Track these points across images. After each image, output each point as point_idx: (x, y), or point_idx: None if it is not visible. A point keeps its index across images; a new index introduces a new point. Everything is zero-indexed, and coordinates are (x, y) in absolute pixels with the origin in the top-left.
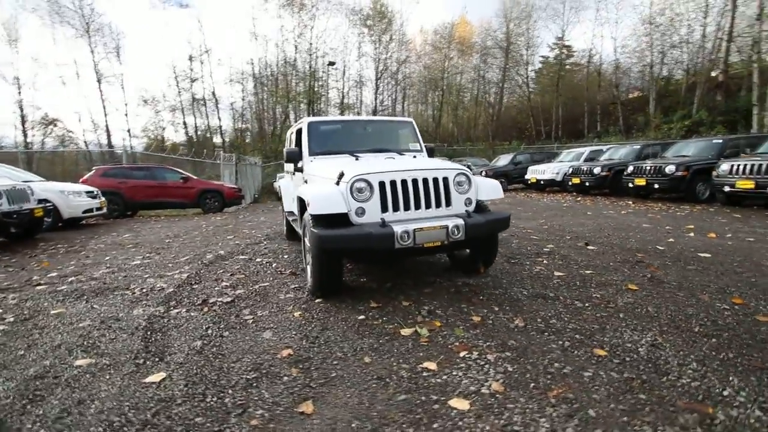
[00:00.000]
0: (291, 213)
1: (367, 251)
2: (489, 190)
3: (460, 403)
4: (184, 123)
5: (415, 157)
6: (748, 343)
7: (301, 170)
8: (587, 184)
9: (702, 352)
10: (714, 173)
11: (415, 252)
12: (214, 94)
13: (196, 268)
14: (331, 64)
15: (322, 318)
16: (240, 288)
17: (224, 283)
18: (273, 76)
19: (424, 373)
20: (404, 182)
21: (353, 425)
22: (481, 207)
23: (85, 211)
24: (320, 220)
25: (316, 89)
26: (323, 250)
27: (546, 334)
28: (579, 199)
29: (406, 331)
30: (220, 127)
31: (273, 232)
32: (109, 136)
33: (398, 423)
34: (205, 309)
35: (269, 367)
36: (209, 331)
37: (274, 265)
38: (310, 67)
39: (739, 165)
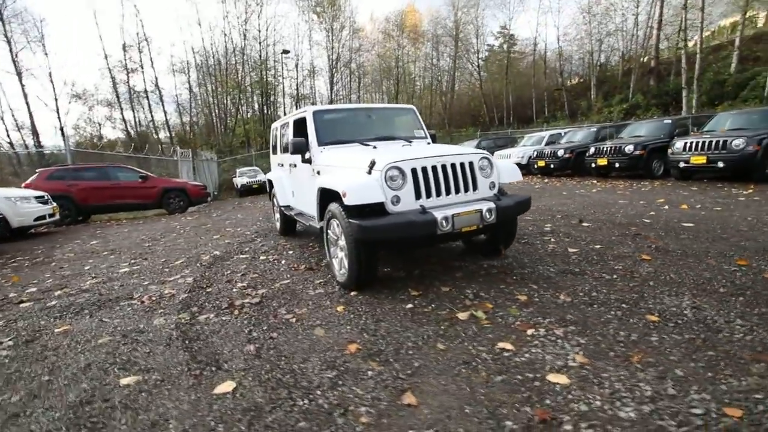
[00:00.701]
0: (288, 207)
1: (407, 239)
2: (509, 173)
3: (558, 378)
4: (123, 118)
5: (429, 143)
6: None
7: (309, 161)
8: (552, 166)
9: (738, 310)
10: (669, 151)
11: (451, 237)
12: (157, 85)
13: (198, 271)
14: (285, 52)
15: (369, 310)
16: (261, 288)
17: (240, 284)
18: (221, 66)
19: (505, 354)
20: (434, 168)
21: (467, 411)
22: (501, 190)
23: (36, 219)
24: (352, 210)
25: (268, 79)
26: (363, 241)
27: (595, 306)
28: (546, 180)
29: (462, 315)
30: (167, 121)
31: (261, 228)
32: (36, 135)
33: (509, 403)
34: (236, 312)
35: (345, 364)
36: (254, 334)
37: (283, 262)
38: (260, 56)
39: (692, 142)
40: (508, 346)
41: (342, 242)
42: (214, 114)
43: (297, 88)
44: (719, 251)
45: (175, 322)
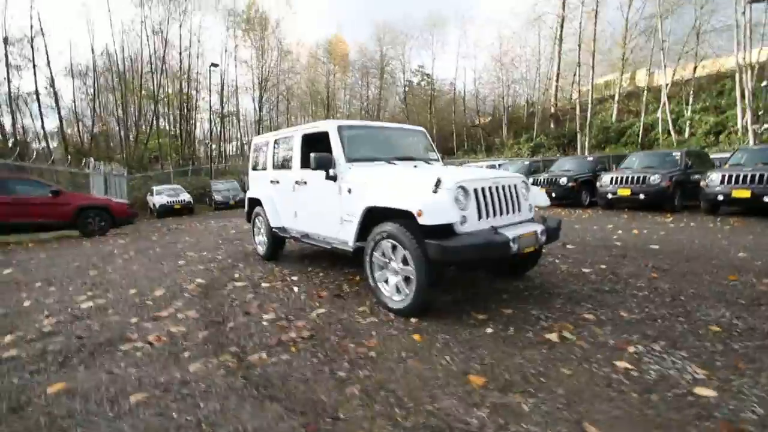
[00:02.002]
0: (282, 229)
1: (482, 260)
2: (539, 197)
3: (705, 391)
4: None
5: (444, 165)
6: None
7: (333, 178)
8: None
9: None
10: (598, 184)
11: (513, 258)
12: (52, 88)
13: (195, 304)
14: (214, 65)
15: (449, 337)
16: (296, 319)
17: (266, 317)
18: (133, 73)
19: (633, 373)
20: (490, 189)
21: None
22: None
23: None
24: (417, 230)
25: (188, 91)
26: (439, 262)
27: (659, 321)
28: None
29: (552, 336)
30: (62, 128)
31: (232, 252)
32: None
33: (687, 422)
34: (293, 349)
35: (486, 400)
36: (341, 373)
37: (296, 290)
38: (180, 66)
39: (617, 177)
40: (627, 365)
41: (396, 265)
42: (121, 124)
43: (222, 103)
44: (705, 269)
45: (221, 366)
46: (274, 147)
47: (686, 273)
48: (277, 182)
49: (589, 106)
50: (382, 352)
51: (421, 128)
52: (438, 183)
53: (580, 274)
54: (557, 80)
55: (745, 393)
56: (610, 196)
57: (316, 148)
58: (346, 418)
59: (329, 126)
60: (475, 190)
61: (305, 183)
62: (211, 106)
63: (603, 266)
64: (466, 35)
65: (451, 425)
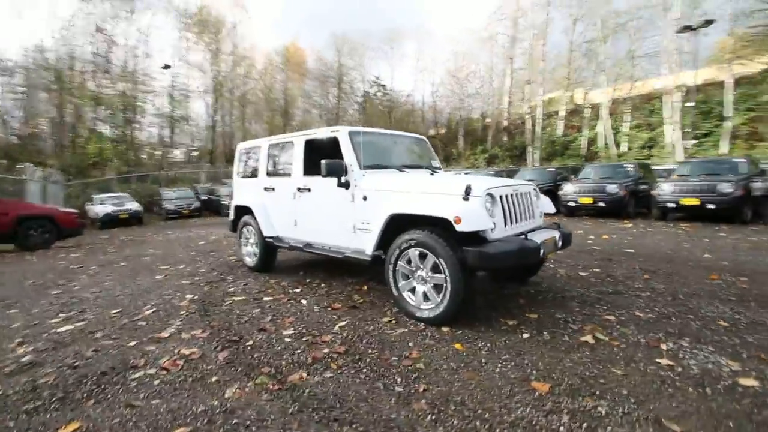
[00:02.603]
0: (278, 239)
1: (515, 266)
2: (547, 204)
3: (748, 381)
4: None
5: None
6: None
7: (345, 185)
8: None
9: (765, 310)
10: (560, 192)
11: (536, 263)
12: None
13: (198, 322)
14: (167, 67)
15: (490, 344)
16: (319, 334)
17: (286, 332)
18: (72, 72)
19: (677, 368)
20: (511, 196)
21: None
22: None
23: None
24: (447, 238)
25: (136, 94)
26: (475, 269)
27: (673, 319)
28: None
29: (587, 339)
30: None
31: (214, 264)
32: None
33: (741, 411)
34: (333, 366)
35: (560, 405)
36: (397, 389)
37: (304, 302)
38: (126, 67)
39: (580, 187)
40: (669, 362)
41: (424, 273)
42: (56, 127)
43: (173, 108)
44: (684, 270)
45: (261, 389)
46: (268, 153)
47: (671, 273)
48: (273, 189)
49: (539, 120)
50: (430, 364)
51: (423, 137)
52: (468, 190)
53: (579, 278)
54: (509, 96)
55: None
56: (572, 204)
57: (320, 154)
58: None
59: (340, 131)
60: (501, 197)
61: (309, 190)
62: (159, 110)
63: (597, 269)
64: (423, 50)
65: (552, 428)
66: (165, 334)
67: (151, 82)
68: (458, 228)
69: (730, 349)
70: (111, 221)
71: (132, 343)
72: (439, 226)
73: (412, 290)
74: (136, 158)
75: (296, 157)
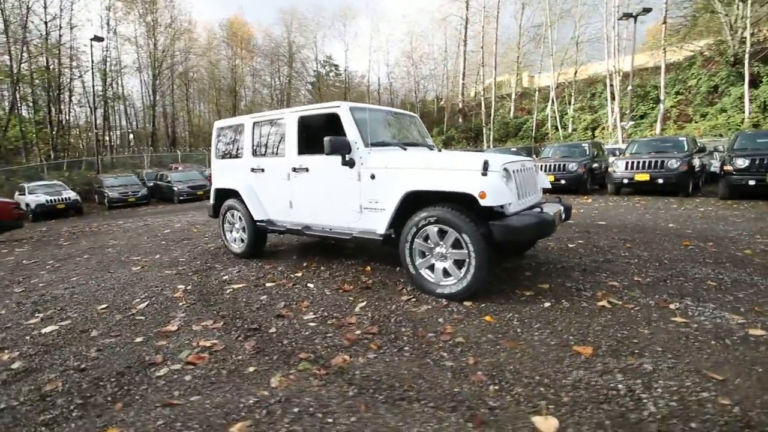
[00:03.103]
0: (270, 222)
1: (533, 238)
2: (545, 180)
3: (757, 332)
4: None
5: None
6: (746, 259)
7: (350, 164)
8: None
9: (742, 271)
10: None
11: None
12: None
13: (205, 312)
14: (98, 39)
15: (518, 315)
16: (342, 316)
17: (307, 317)
18: None
19: (693, 325)
20: (521, 171)
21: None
22: None
23: None
24: (467, 213)
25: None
26: (501, 243)
27: (668, 281)
28: None
29: (603, 304)
30: None
31: (193, 252)
32: None
33: (762, 357)
34: (372, 346)
35: (618, 369)
36: (449, 363)
37: (311, 286)
38: (47, 38)
39: (542, 165)
40: (683, 320)
41: (444, 250)
42: None
43: (106, 85)
44: (657, 238)
45: (307, 375)
46: (254, 131)
47: (648, 242)
48: (261, 170)
49: (492, 103)
50: (468, 337)
51: (415, 115)
52: (486, 165)
53: (569, 249)
54: (463, 78)
55: None
56: None
57: (316, 132)
58: (500, 405)
59: (341, 107)
60: (514, 172)
61: (306, 170)
62: (93, 89)
63: (581, 241)
64: (378, 29)
65: (605, 394)
66: (172, 327)
67: (78, 57)
68: (483, 203)
69: (729, 305)
70: (46, 213)
71: (138, 339)
72: (456, 201)
73: (430, 267)
74: (63, 142)
75: (289, 136)
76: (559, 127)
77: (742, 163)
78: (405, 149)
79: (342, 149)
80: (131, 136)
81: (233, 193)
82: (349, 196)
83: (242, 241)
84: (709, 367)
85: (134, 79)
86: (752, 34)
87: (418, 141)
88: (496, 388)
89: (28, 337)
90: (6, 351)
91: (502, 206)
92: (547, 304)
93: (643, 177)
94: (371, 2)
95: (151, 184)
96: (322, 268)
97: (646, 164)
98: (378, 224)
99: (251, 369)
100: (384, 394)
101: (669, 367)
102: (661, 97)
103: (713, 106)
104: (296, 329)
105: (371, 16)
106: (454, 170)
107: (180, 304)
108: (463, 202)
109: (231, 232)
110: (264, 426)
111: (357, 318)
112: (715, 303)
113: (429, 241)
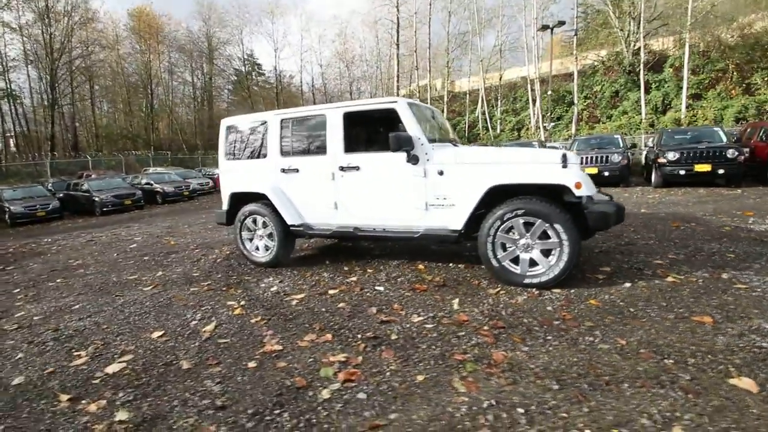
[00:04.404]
0: (306, 226)
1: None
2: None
3: None
4: None
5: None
6: (734, 234)
7: (414, 160)
8: None
9: (743, 245)
10: None
11: None
12: None
13: (297, 329)
14: None
15: (615, 296)
16: (453, 314)
17: (416, 319)
18: None
19: (753, 292)
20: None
21: None
22: None
23: None
24: (555, 204)
25: None
26: (596, 230)
27: (697, 257)
28: None
29: (671, 280)
30: None
31: (197, 266)
32: None
33: None
34: (516, 340)
35: (731, 331)
36: (601, 346)
37: (381, 289)
38: None
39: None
40: (741, 286)
41: (529, 240)
42: None
43: None
44: (647, 222)
45: (486, 377)
46: (282, 129)
47: (643, 225)
48: (295, 171)
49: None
50: (594, 321)
51: (437, 108)
52: (565, 158)
53: None
54: (398, 80)
55: None
56: None
57: (365, 128)
58: (693, 376)
59: (398, 102)
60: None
61: (357, 168)
62: None
63: None
64: (308, 29)
65: (757, 351)
66: (275, 347)
67: None
68: (578, 193)
69: (765, 272)
70: None
71: (251, 364)
72: (536, 194)
73: (514, 260)
74: None
75: (333, 133)
76: (490, 128)
77: (672, 156)
78: (456, 144)
79: (406, 145)
80: (12, 140)
81: (256, 197)
82: (414, 194)
83: (267, 249)
84: None
85: (23, 74)
86: (645, 46)
87: (448, 137)
88: (671, 361)
89: (96, 382)
90: (86, 401)
91: (590, 196)
92: (627, 284)
93: (592, 170)
94: (300, 1)
95: (62, 195)
96: (369, 270)
97: (593, 159)
98: (448, 221)
99: (420, 378)
100: (584, 382)
101: None
102: (575, 101)
103: (616, 109)
104: (417, 332)
105: (301, 15)
106: (540, 163)
107: (252, 321)
108: (543, 194)
109: (253, 240)
110: (509, 420)
111: (467, 315)
112: (751, 270)
113: (512, 233)
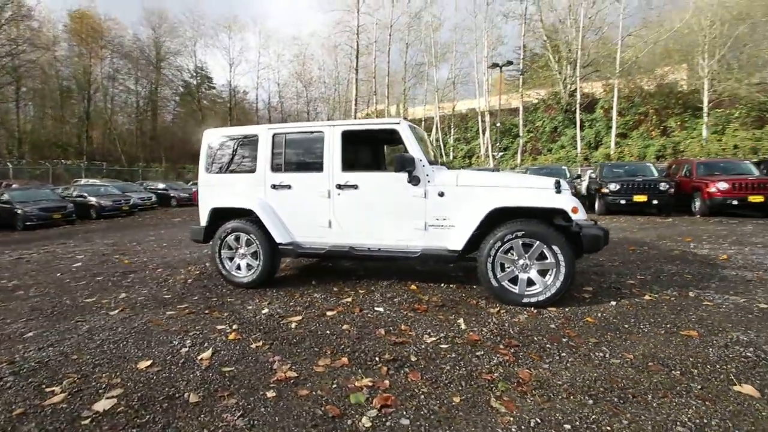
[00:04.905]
0: (296, 245)
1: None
2: None
3: (762, 305)
4: None
5: None
6: (684, 257)
7: (415, 181)
8: None
9: (694, 265)
10: None
11: None
12: None
13: (313, 352)
14: None
15: (607, 314)
16: (465, 334)
17: (429, 339)
18: None
19: (723, 306)
20: None
21: None
22: None
23: None
24: (551, 227)
25: None
26: (588, 252)
27: (662, 277)
28: None
29: (648, 298)
30: None
31: (165, 287)
32: None
33: None
34: (535, 358)
35: (718, 343)
36: (613, 360)
37: (380, 310)
38: None
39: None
40: (710, 303)
41: (527, 261)
42: None
43: None
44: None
45: (519, 396)
46: (273, 143)
47: (604, 250)
48: (287, 187)
49: None
50: (596, 337)
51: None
52: (559, 184)
53: None
54: (356, 104)
55: None
56: None
57: (362, 147)
58: (702, 385)
59: (401, 123)
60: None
61: (355, 187)
62: None
63: None
64: (267, 46)
65: (745, 361)
66: (288, 374)
67: None
68: (574, 217)
69: (722, 290)
70: None
71: (270, 394)
72: (532, 216)
73: (512, 280)
74: None
75: (330, 150)
76: (443, 155)
77: (614, 187)
78: (447, 167)
79: (409, 166)
80: None
81: (240, 213)
82: (413, 214)
83: (249, 268)
84: None
85: None
86: (579, 89)
87: (433, 159)
88: (678, 372)
89: (86, 422)
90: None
91: (595, 221)
92: (613, 303)
93: None
94: (259, 18)
95: None
96: (361, 291)
97: None
98: (447, 241)
99: (456, 399)
100: (613, 396)
101: (756, 335)
102: (520, 133)
103: (555, 143)
104: (435, 353)
105: (259, 32)
106: (538, 188)
107: (253, 347)
108: (538, 217)
109: (234, 259)
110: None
111: (477, 334)
112: (713, 289)
113: (511, 254)
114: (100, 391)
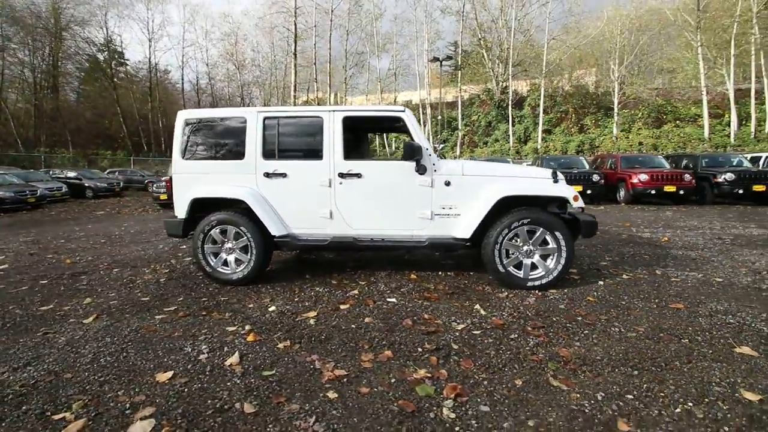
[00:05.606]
0: (292, 237)
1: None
2: None
3: (718, 278)
4: None
5: None
6: (638, 240)
7: (422, 170)
8: None
9: (648, 247)
10: None
11: None
12: None
13: (343, 350)
14: None
15: (603, 292)
16: (489, 318)
17: (458, 327)
18: None
19: (713, 280)
20: None
21: None
22: None
23: None
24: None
25: None
26: (585, 237)
27: (627, 258)
28: None
29: (626, 276)
30: None
31: (143, 287)
32: None
33: None
34: (565, 337)
35: (705, 311)
36: (627, 335)
37: (393, 300)
38: None
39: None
40: (677, 279)
41: (531, 247)
42: None
43: None
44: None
45: (568, 374)
46: (264, 128)
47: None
48: (283, 176)
49: None
50: (604, 314)
51: None
52: (555, 174)
53: None
54: (295, 90)
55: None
56: None
57: (364, 134)
58: (707, 351)
59: (405, 111)
60: None
61: (358, 176)
62: None
63: None
64: (193, 21)
65: (732, 326)
66: (336, 372)
67: None
68: (575, 205)
69: (680, 267)
70: None
71: (332, 395)
72: (533, 204)
73: (517, 265)
74: None
75: (330, 137)
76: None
77: None
78: (444, 157)
79: (417, 155)
80: None
81: (227, 203)
82: (420, 203)
83: (238, 263)
84: (739, 297)
85: None
86: (510, 86)
87: None
88: (687, 341)
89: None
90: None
91: (582, 209)
92: (601, 282)
93: None
94: None
95: None
96: (362, 282)
97: None
98: (453, 229)
99: (519, 382)
100: (650, 365)
101: (728, 305)
102: (459, 126)
103: (490, 136)
104: (473, 339)
105: (184, 6)
106: (535, 179)
107: (280, 347)
108: (537, 205)
109: (220, 253)
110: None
111: (500, 319)
112: (671, 267)
113: (516, 240)
114: (126, 411)
